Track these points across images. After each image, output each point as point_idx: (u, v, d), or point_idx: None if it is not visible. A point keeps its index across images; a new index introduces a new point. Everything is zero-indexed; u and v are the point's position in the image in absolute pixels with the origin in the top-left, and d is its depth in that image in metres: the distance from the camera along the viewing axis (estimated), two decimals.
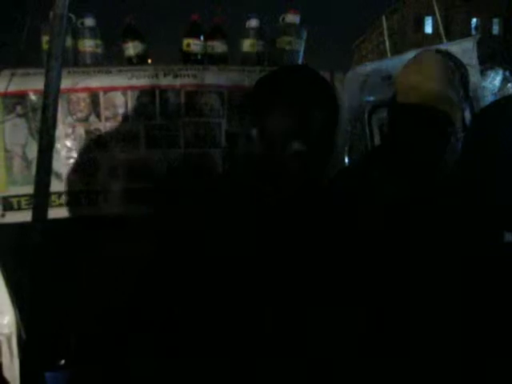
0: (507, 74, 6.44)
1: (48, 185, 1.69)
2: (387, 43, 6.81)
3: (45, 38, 2.64)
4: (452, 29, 37.55)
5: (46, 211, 1.71)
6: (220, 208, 1.36)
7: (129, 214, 2.53)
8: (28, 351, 1.88)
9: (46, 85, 1.63)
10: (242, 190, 1.36)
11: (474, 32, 43.49)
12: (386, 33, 6.94)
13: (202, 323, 1.26)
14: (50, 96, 1.64)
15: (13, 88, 2.49)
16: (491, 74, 6.25)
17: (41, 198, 1.67)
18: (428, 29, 43.86)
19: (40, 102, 2.36)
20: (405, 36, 42.25)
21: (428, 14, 42.71)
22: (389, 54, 7.07)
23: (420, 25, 44.49)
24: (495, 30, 44.10)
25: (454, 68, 1.82)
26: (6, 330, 2.02)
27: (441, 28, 5.79)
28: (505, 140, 1.40)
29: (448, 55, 1.90)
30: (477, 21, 43.98)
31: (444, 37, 5.19)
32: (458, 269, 1.40)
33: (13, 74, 2.51)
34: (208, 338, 1.25)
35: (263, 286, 1.24)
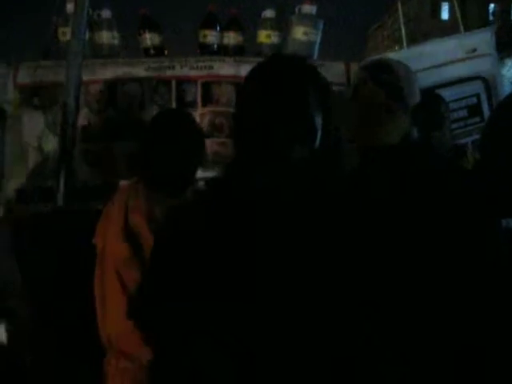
0: None
1: (70, 180, 1.72)
2: (403, 30, 6.75)
3: (61, 30, 2.66)
4: (469, 15, 37.05)
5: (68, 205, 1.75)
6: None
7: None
8: None
9: (66, 82, 1.65)
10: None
11: (491, 18, 42.98)
12: (401, 19, 6.87)
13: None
14: (71, 93, 1.66)
15: (31, 79, 2.52)
16: (508, 62, 6.21)
17: (64, 190, 1.70)
18: (445, 15, 43.32)
19: (56, 94, 2.40)
20: (421, 22, 41.77)
21: (445, 0, 42.23)
22: (404, 41, 7.02)
23: (436, 11, 44.01)
24: None
25: None
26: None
27: (458, 14, 5.74)
28: None
29: None
30: (494, 6, 43.37)
31: (461, 23, 5.14)
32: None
33: (29, 67, 2.54)
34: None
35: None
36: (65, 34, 2.59)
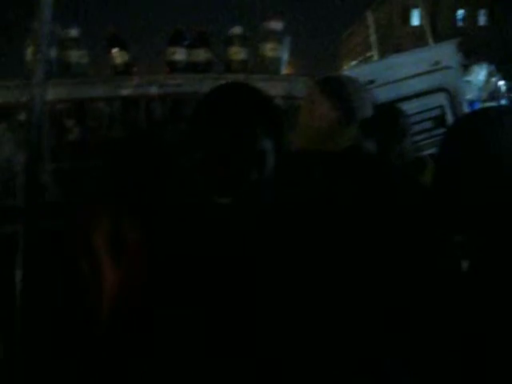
0: (491, 67, 6.52)
1: (35, 200, 1.72)
2: (374, 37, 6.86)
3: (29, 50, 2.66)
4: (438, 20, 37.61)
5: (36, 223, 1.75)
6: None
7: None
8: None
9: (31, 100, 1.67)
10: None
11: (460, 23, 43.65)
12: (372, 27, 6.99)
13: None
14: (35, 113, 1.68)
15: (2, 100, 2.51)
16: (476, 68, 6.32)
17: (29, 212, 1.71)
18: (415, 21, 43.84)
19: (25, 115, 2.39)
20: (392, 29, 42.26)
21: (415, 7, 42.73)
22: (375, 48, 7.12)
23: (407, 18, 44.54)
24: (482, 21, 44.22)
25: None
26: None
27: (425, 22, 5.85)
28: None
29: None
30: (463, 12, 44.07)
31: (429, 30, 5.24)
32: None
33: (2, 86, 2.54)
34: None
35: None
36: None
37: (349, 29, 53.09)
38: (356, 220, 1.47)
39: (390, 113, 2.61)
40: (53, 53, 2.68)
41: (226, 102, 1.39)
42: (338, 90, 1.82)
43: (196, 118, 1.41)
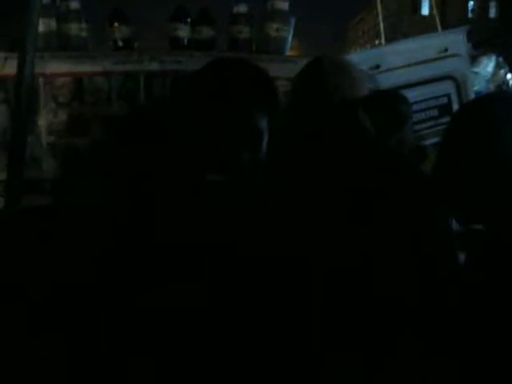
0: (500, 59, 6.44)
1: (21, 173, 1.68)
2: (381, 25, 6.77)
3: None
4: (448, 11, 37.29)
5: (18, 199, 1.71)
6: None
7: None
8: None
9: (18, 78, 1.61)
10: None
11: (470, 15, 43.31)
12: (380, 15, 6.90)
13: None
14: (23, 85, 1.63)
15: None
16: (484, 60, 6.25)
17: (14, 185, 1.67)
18: (425, 10, 43.50)
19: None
20: (401, 18, 41.95)
21: None
22: (383, 37, 7.04)
23: (416, 6, 44.19)
24: (492, 13, 43.87)
25: None
26: None
27: (435, 11, 5.77)
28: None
29: None
30: (474, 3, 43.72)
31: (438, 20, 5.17)
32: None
33: None
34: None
35: None
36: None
37: (358, 16, 52.71)
38: (349, 204, 1.44)
39: (391, 98, 2.56)
40: (52, 25, 2.63)
41: (220, 77, 1.34)
42: (310, 71, 1.87)
43: (189, 93, 1.35)
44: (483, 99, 1.75)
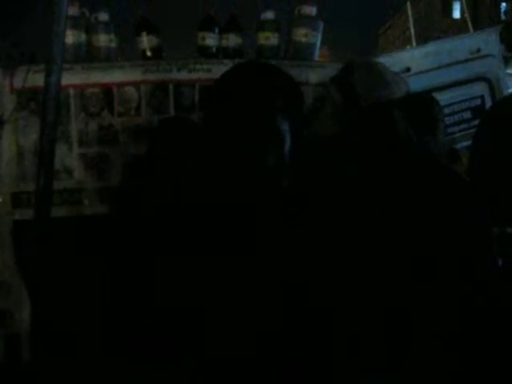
0: None
1: (50, 184, 1.69)
2: (412, 30, 6.70)
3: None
4: (480, 13, 36.77)
5: (48, 210, 1.72)
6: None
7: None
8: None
9: (46, 89, 1.63)
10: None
11: (503, 16, 42.65)
12: (410, 19, 6.84)
13: None
14: (50, 101, 1.63)
15: (27, 84, 2.50)
16: None
17: (42, 196, 1.68)
18: (456, 14, 42.96)
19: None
20: (432, 21, 41.51)
21: None
22: (413, 42, 6.96)
23: (448, 10, 43.68)
24: None
25: None
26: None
27: (466, 14, 5.68)
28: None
29: None
30: (506, 5, 43.04)
31: (470, 23, 5.08)
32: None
33: (28, 71, 2.52)
34: None
35: None
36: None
37: (388, 21, 52.36)
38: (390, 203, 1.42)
39: (422, 101, 2.52)
40: (82, 37, 2.66)
41: (243, 80, 1.33)
42: (343, 74, 1.89)
43: (213, 96, 1.35)
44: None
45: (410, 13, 7.50)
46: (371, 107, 1.81)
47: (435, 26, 40.79)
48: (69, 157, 2.51)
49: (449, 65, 3.05)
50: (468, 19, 4.79)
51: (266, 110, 1.28)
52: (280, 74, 1.37)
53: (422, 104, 2.49)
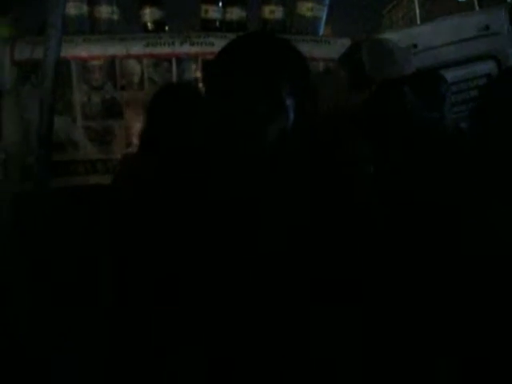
0: None
1: (49, 155, 1.67)
2: (417, 10, 6.62)
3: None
4: None
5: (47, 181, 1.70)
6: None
7: None
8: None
9: (44, 55, 1.59)
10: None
11: None
12: (416, 0, 6.76)
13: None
14: (48, 67, 1.60)
15: (28, 56, 2.46)
16: None
17: (41, 167, 1.66)
18: None
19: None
20: (437, 3, 41.16)
21: None
22: (418, 22, 6.87)
23: None
24: None
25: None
26: None
27: None
28: None
29: None
30: None
31: (476, 3, 5.02)
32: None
33: (27, 43, 2.48)
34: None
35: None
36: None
37: (393, 1, 51.90)
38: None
39: (429, 78, 2.48)
40: (83, 8, 2.62)
41: (249, 51, 1.29)
42: (351, 53, 1.88)
43: (217, 66, 1.31)
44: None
45: None
46: (382, 84, 1.78)
47: (440, 7, 40.42)
48: (73, 130, 2.49)
49: (456, 42, 3.00)
50: (475, 0, 4.73)
51: (272, 82, 1.24)
52: (288, 46, 1.33)
53: (430, 81, 2.45)
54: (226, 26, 2.75)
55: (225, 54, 1.31)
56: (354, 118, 1.74)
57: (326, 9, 2.78)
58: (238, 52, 1.29)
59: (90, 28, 2.65)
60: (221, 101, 1.24)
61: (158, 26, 2.72)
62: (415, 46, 2.91)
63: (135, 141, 2.50)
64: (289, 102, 1.26)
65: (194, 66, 2.58)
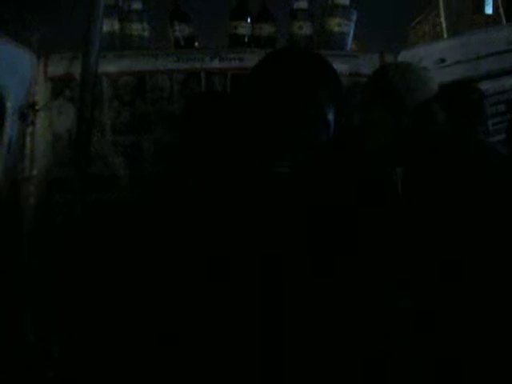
0: None
1: (85, 169, 1.70)
2: (444, 25, 6.59)
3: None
4: None
5: (83, 194, 1.73)
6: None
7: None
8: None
9: (83, 70, 1.63)
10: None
11: None
12: (442, 14, 6.72)
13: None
14: (87, 82, 1.64)
15: (61, 72, 2.52)
16: None
17: (79, 181, 1.69)
18: (488, 9, 42.22)
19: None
20: (464, 17, 40.89)
21: None
22: (445, 36, 6.82)
23: (479, 5, 42.96)
24: None
25: None
26: None
27: (501, 8, 5.57)
28: None
29: None
30: None
31: (504, 17, 4.97)
32: None
33: (62, 58, 2.54)
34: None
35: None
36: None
37: (419, 16, 51.73)
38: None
39: (469, 92, 2.48)
40: (115, 25, 2.67)
41: (287, 68, 1.30)
42: (382, 85, 1.88)
43: (257, 80, 1.32)
44: None
45: (441, 7, 7.37)
46: (415, 108, 1.79)
47: (466, 22, 40.15)
48: (103, 144, 2.53)
49: (485, 56, 2.99)
50: (502, 14, 4.68)
51: (315, 98, 1.25)
52: (324, 62, 1.35)
53: (470, 94, 2.45)
54: (254, 41, 2.78)
55: (264, 70, 1.31)
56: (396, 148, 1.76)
57: (353, 24, 2.80)
58: (278, 68, 1.30)
59: (120, 44, 2.70)
60: (262, 117, 1.25)
61: (188, 41, 2.76)
62: (443, 60, 2.90)
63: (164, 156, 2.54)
64: (330, 117, 1.27)
65: (223, 81, 2.62)
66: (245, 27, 2.76)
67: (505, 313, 1.41)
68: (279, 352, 1.19)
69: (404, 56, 3.03)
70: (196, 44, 2.82)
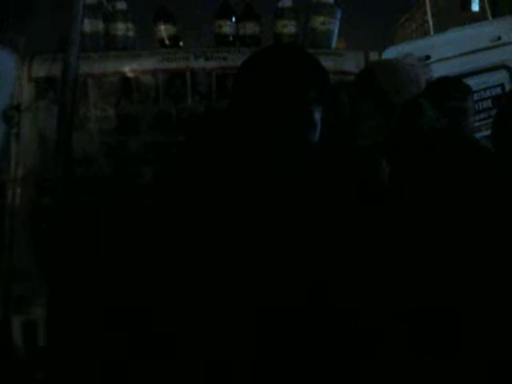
0: None
1: (69, 169, 1.70)
2: (431, 22, 6.61)
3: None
4: (501, 4, 36.30)
5: (67, 196, 1.73)
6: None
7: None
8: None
9: (64, 70, 1.63)
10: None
11: None
12: (429, 12, 6.75)
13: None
14: (68, 82, 1.64)
15: (45, 73, 2.51)
16: None
17: (62, 182, 1.68)
18: (475, 7, 42.43)
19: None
20: (451, 15, 41.06)
21: None
22: (432, 33, 6.85)
23: (466, 3, 43.14)
24: None
25: None
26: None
27: (487, 5, 5.60)
28: None
29: None
30: None
31: (490, 14, 5.00)
32: None
33: (46, 60, 2.53)
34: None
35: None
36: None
37: (405, 14, 51.93)
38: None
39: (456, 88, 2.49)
40: (99, 26, 2.66)
41: (274, 65, 1.29)
42: (367, 83, 1.88)
43: (242, 81, 1.30)
44: None
45: (428, 5, 7.41)
46: (404, 105, 1.79)
47: (453, 20, 40.33)
48: (89, 145, 2.52)
49: (469, 53, 3.00)
50: (488, 11, 4.71)
51: (303, 97, 1.24)
52: (312, 59, 1.32)
53: (449, 88, 2.47)
54: (239, 40, 2.78)
55: (251, 67, 1.29)
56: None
57: (338, 22, 2.80)
58: (265, 66, 1.28)
59: (105, 45, 2.70)
60: (250, 115, 1.24)
61: (173, 41, 2.76)
62: (428, 57, 2.92)
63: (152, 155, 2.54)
64: (317, 115, 1.26)
65: (208, 81, 2.61)
66: (229, 26, 2.76)
67: (498, 307, 1.42)
68: (277, 346, 1.20)
69: (389, 54, 3.05)
70: (181, 44, 2.82)
